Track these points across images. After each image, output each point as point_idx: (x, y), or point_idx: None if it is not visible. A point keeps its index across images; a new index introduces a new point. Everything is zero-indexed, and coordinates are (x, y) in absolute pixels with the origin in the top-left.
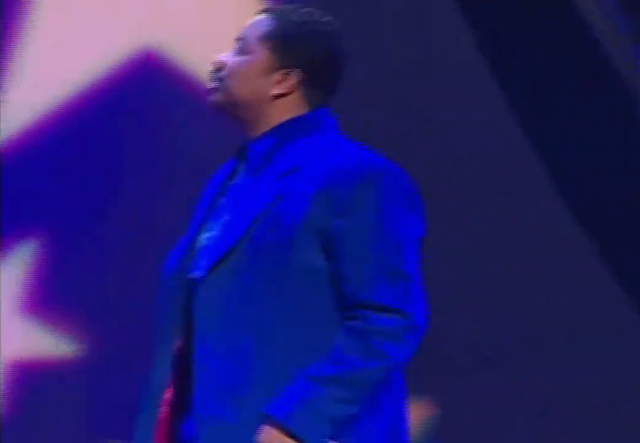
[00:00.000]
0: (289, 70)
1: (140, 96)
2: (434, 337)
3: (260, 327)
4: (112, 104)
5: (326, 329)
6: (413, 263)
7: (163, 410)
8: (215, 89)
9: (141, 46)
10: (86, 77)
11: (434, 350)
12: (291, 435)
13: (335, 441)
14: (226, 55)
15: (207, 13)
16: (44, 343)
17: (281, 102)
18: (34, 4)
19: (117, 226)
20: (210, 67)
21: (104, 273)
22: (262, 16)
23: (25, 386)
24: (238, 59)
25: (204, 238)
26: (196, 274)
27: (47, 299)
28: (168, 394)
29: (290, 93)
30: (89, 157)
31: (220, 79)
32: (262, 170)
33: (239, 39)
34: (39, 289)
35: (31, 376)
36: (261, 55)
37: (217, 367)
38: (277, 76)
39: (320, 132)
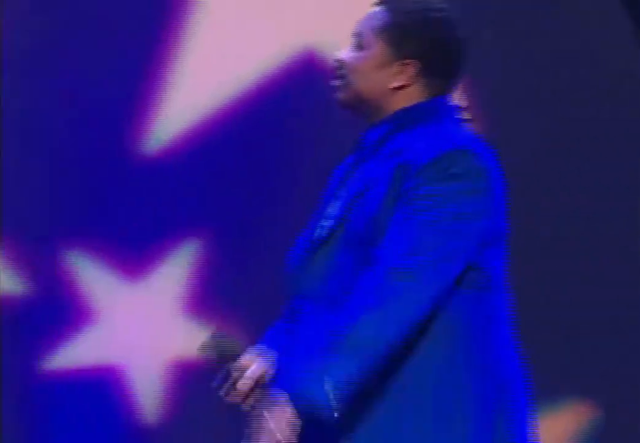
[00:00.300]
0: (406, 61)
1: (302, 97)
2: None
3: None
4: (273, 104)
5: None
6: (442, 250)
7: None
8: (338, 88)
9: (303, 47)
10: (248, 78)
11: None
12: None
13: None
14: (345, 51)
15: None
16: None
17: (402, 93)
18: (197, 5)
19: (278, 227)
20: (333, 65)
21: (265, 274)
22: (376, 9)
23: (187, 386)
24: (356, 54)
25: (319, 226)
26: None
27: (208, 299)
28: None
29: (409, 84)
30: (251, 158)
31: (342, 77)
32: (372, 157)
33: (355, 34)
34: (200, 289)
35: (193, 376)
36: (377, 48)
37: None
38: (395, 68)
39: (437, 120)
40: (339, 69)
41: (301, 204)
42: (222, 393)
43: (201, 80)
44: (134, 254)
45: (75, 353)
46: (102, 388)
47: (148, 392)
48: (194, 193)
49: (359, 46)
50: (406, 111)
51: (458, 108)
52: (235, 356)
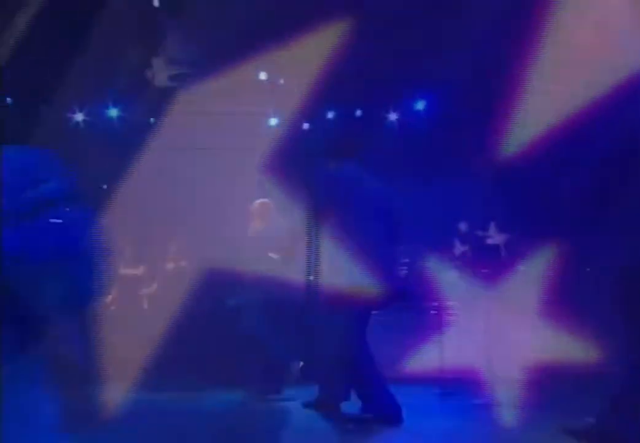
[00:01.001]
0: None
1: None
2: None
3: None
4: (627, 110)
5: None
6: None
7: None
8: None
9: None
10: (601, 83)
11: None
12: None
13: None
14: None
15: None
16: (559, 347)
17: None
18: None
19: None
20: None
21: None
22: None
23: (546, 391)
24: None
25: None
26: None
27: (563, 303)
28: None
29: None
30: (604, 163)
31: None
32: None
33: None
34: (556, 293)
35: (551, 380)
36: None
37: None
38: None
39: None
40: None
41: None
42: None
43: (558, 84)
44: (489, 259)
45: (434, 357)
46: (460, 392)
47: (507, 396)
48: (550, 196)
49: None
50: None
51: None
52: None
